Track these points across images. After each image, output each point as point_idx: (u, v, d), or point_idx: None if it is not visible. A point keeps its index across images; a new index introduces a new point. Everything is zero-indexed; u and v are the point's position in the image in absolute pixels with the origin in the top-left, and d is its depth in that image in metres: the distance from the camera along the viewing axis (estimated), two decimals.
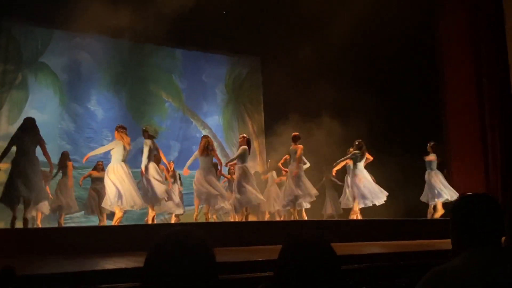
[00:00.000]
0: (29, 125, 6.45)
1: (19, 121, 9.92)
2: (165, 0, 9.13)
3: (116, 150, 6.99)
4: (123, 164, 6.92)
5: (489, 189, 8.74)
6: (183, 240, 1.17)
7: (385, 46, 9.92)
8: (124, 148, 6.98)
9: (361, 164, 8.55)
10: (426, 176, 9.00)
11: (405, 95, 10.12)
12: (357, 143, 8.60)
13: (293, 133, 8.53)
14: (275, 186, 10.09)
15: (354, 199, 8.52)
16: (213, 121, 12.73)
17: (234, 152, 11.47)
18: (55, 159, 8.03)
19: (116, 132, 7.14)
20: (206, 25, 10.83)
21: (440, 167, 9.13)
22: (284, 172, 9.34)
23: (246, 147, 7.93)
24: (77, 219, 9.79)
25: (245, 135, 8.37)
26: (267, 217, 10.09)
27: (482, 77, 9.24)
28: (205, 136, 7.90)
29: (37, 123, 6.57)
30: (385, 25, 9.46)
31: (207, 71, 12.78)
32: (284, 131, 10.11)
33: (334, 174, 9.05)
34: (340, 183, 9.65)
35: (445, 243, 2.84)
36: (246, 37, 11.66)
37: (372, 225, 7.65)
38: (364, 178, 8.47)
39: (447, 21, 9.90)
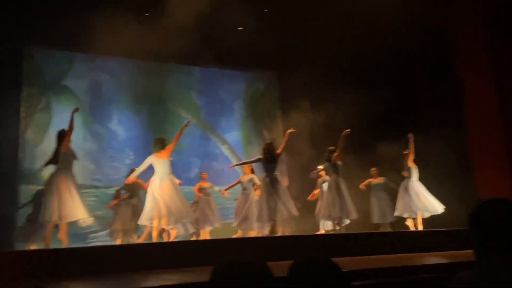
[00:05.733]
0: None
1: (43, 144, 10.26)
2: (181, 19, 9.29)
3: None
4: None
5: None
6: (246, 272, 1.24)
7: (402, 51, 9.87)
8: None
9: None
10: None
11: (426, 104, 10.05)
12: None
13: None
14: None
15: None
16: (232, 137, 12.83)
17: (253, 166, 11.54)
18: (80, 179, 7.99)
19: None
20: (222, 42, 10.96)
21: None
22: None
23: None
24: (102, 237, 9.91)
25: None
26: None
27: (502, 76, 9.12)
28: None
29: None
30: (400, 30, 9.39)
31: (225, 87, 12.90)
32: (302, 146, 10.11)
33: None
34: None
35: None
36: (262, 52, 11.76)
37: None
38: None
39: (462, 27, 9.81)
